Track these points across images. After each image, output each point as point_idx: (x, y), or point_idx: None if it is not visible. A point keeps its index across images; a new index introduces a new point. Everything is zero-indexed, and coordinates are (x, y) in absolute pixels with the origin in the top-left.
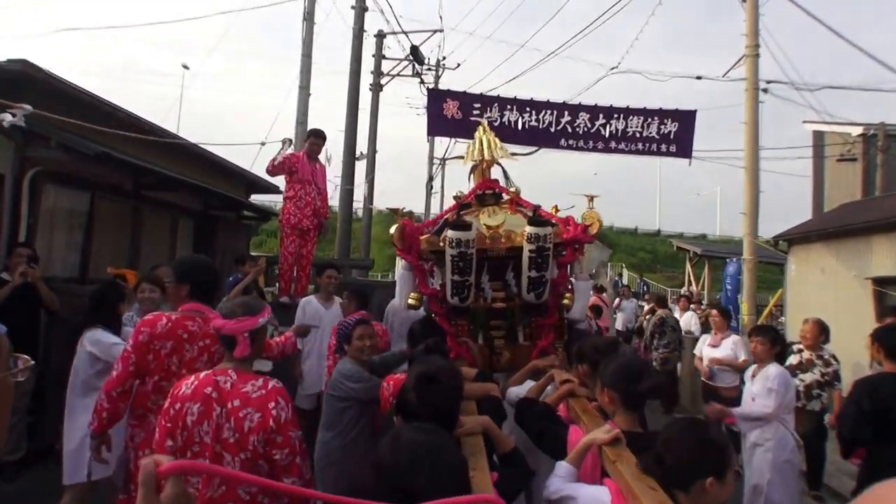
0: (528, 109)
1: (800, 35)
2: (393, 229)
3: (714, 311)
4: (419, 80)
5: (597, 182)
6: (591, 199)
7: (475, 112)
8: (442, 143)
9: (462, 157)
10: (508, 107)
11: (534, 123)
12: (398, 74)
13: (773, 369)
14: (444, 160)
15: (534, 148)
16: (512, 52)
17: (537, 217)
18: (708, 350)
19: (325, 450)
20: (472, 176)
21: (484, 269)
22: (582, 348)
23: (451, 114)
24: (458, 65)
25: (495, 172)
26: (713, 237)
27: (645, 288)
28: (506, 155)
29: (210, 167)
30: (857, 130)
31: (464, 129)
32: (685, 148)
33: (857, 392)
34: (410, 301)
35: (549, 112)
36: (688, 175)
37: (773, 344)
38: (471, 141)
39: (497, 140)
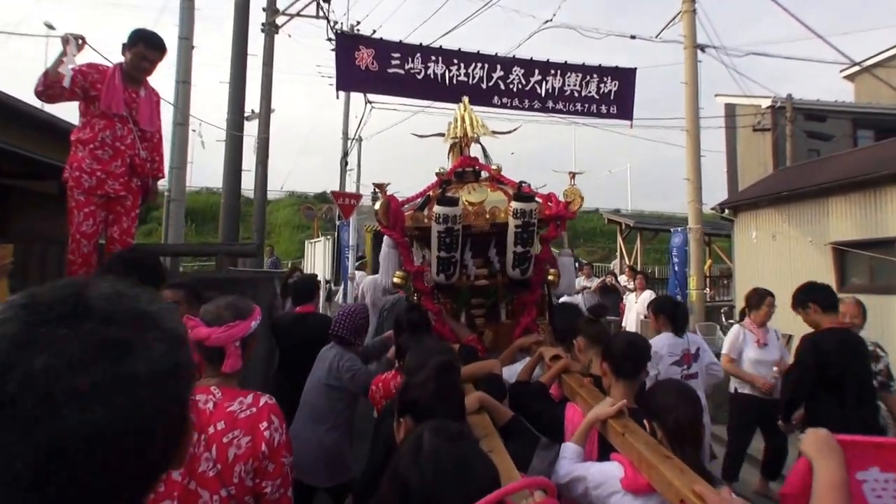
0: (455, 62)
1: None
2: (378, 205)
3: None
4: (326, 20)
5: (514, 161)
6: (573, 175)
7: (394, 63)
8: (356, 116)
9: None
10: (433, 58)
11: (462, 78)
12: (298, 14)
13: None
14: (359, 138)
15: (516, 125)
16: (437, 7)
17: (523, 192)
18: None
19: (313, 444)
20: (450, 154)
21: (467, 245)
22: (576, 323)
23: (364, 64)
24: (374, 31)
25: (474, 150)
26: (626, 212)
27: (577, 264)
28: (487, 132)
29: (6, 117)
30: (767, 102)
31: (380, 83)
32: (626, 109)
33: (801, 351)
34: (395, 280)
35: (479, 65)
36: (599, 152)
37: (668, 319)
38: (453, 118)
39: (479, 118)
